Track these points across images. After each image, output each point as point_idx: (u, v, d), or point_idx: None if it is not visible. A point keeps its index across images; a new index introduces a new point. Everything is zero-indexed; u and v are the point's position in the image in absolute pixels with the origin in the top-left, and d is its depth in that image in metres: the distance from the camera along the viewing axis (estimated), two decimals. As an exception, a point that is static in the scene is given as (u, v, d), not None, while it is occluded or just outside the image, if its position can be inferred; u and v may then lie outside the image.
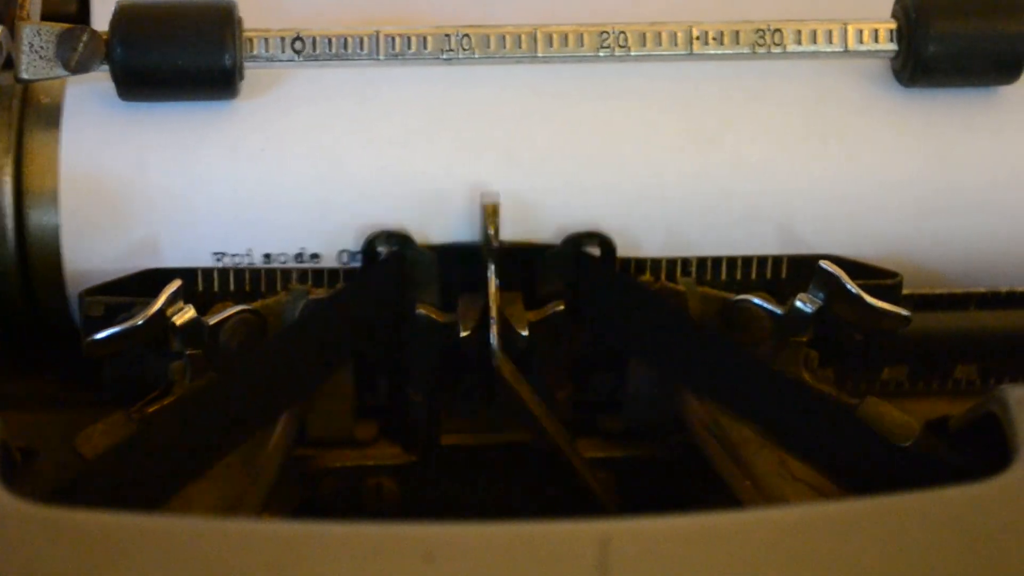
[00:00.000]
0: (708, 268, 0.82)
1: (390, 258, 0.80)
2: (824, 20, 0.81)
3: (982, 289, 0.84)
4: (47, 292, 0.82)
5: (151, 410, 0.78)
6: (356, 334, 0.79)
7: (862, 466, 0.73)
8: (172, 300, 0.77)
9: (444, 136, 0.81)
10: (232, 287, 0.81)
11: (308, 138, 0.81)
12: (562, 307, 0.80)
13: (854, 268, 0.80)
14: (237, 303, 0.80)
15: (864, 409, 0.80)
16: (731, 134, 0.82)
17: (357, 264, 0.81)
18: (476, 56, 0.80)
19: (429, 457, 0.85)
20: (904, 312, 0.79)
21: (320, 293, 0.81)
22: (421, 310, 0.80)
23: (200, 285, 0.80)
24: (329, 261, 0.81)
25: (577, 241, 0.81)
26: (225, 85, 0.79)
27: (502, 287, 0.80)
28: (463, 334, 0.79)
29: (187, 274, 0.79)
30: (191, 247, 0.81)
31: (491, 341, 0.78)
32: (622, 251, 0.81)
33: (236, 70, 0.79)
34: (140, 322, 0.77)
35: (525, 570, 0.60)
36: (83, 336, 0.78)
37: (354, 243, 0.81)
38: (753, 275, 0.82)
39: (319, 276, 0.81)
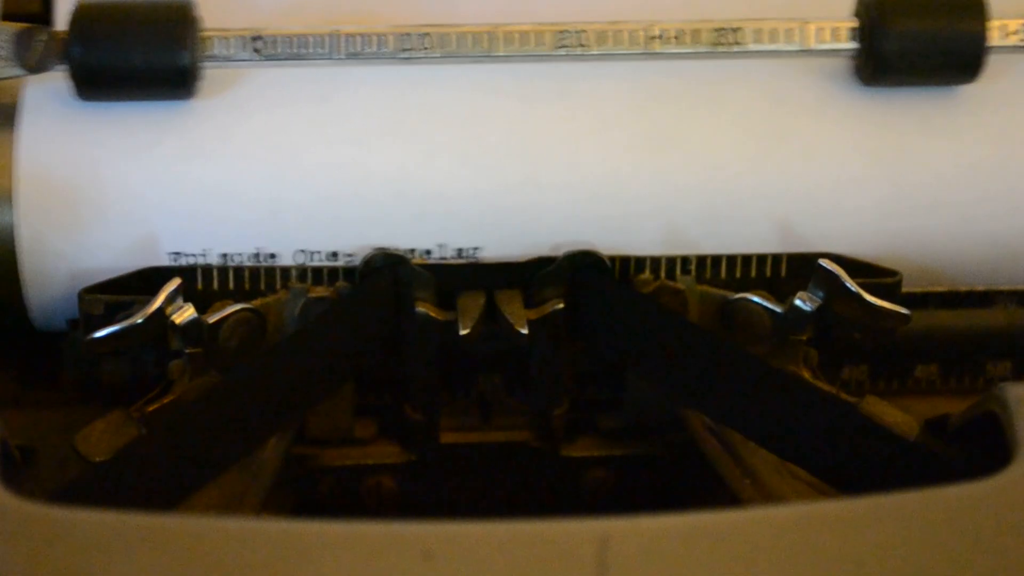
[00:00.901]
0: (708, 266, 0.82)
1: (386, 271, 0.80)
2: (784, 19, 0.81)
3: (941, 288, 0.84)
4: (3, 292, 0.81)
5: (151, 409, 0.78)
6: (357, 347, 0.79)
7: (864, 464, 0.73)
8: (171, 298, 0.77)
9: (403, 135, 0.81)
10: (232, 285, 0.81)
11: (266, 138, 0.81)
12: (561, 305, 0.80)
13: (854, 266, 0.80)
14: (236, 301, 0.80)
15: (864, 408, 0.80)
16: (690, 133, 0.82)
17: (315, 264, 0.81)
18: (435, 55, 0.80)
19: (428, 456, 0.85)
20: (904, 311, 0.79)
21: (320, 292, 0.81)
22: (420, 308, 0.80)
23: (200, 283, 0.80)
24: (285, 260, 0.81)
25: (573, 259, 0.81)
26: (183, 85, 0.79)
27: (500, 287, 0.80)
28: (463, 332, 0.79)
29: (187, 272, 0.80)
30: (148, 246, 0.80)
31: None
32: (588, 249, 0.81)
33: (194, 69, 0.79)
34: (139, 320, 0.77)
35: (524, 569, 0.60)
36: (83, 334, 0.78)
37: (311, 243, 0.81)
38: (752, 273, 0.82)
39: (319, 275, 0.81)
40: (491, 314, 0.80)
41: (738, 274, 0.82)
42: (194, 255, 0.81)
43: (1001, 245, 0.83)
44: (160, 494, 0.70)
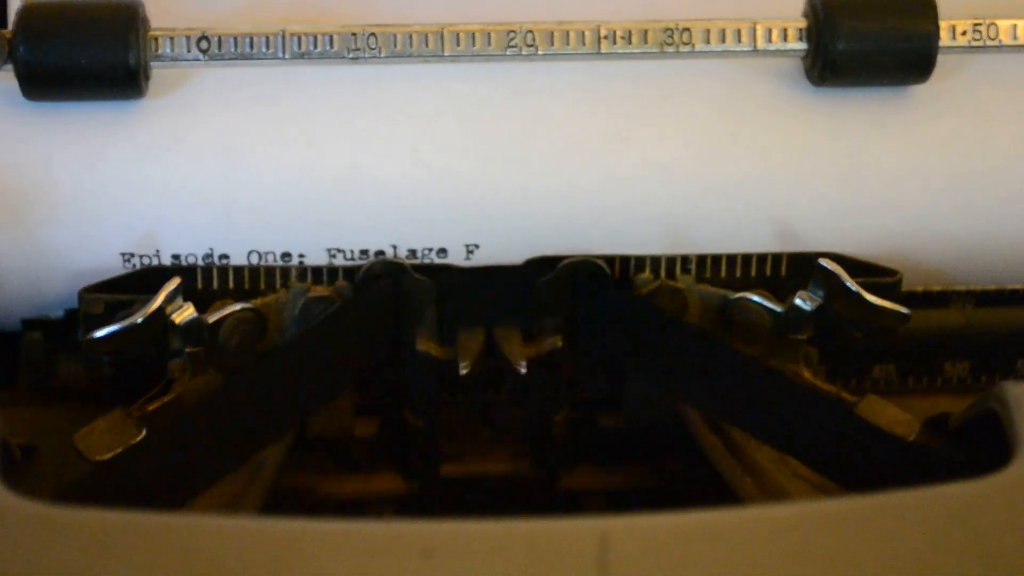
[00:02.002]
0: (707, 266, 0.82)
1: (386, 280, 0.80)
2: (733, 19, 0.81)
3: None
4: None
5: (151, 408, 0.78)
6: (355, 356, 0.79)
7: (864, 463, 0.73)
8: (171, 298, 0.77)
9: (351, 136, 0.81)
10: (231, 285, 0.81)
11: (217, 138, 0.81)
12: (560, 344, 0.80)
13: (853, 266, 0.80)
14: (236, 301, 0.80)
15: (864, 407, 0.80)
16: (640, 133, 0.82)
17: (269, 263, 0.81)
18: (383, 55, 0.80)
19: (429, 487, 0.85)
20: (904, 310, 0.79)
21: (320, 291, 0.81)
22: (421, 347, 0.79)
23: (199, 283, 0.80)
24: (239, 260, 0.81)
25: (572, 268, 0.81)
26: (130, 85, 0.79)
27: (498, 320, 0.80)
28: (463, 371, 0.78)
29: (187, 272, 0.79)
30: (98, 247, 0.80)
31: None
32: (534, 252, 0.81)
33: (141, 69, 0.79)
34: (139, 320, 0.77)
35: (524, 567, 0.60)
36: (83, 333, 0.78)
37: (263, 243, 0.81)
38: (752, 273, 0.82)
39: (319, 274, 0.81)
40: (491, 349, 0.80)
41: (738, 273, 0.82)
42: (146, 255, 0.81)
43: (956, 245, 0.84)
44: (161, 499, 0.70)
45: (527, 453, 0.86)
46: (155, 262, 0.81)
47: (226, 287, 0.81)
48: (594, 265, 0.80)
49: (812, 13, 0.81)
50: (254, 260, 0.81)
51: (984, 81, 0.84)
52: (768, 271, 0.82)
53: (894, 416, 0.79)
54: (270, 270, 0.81)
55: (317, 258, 0.81)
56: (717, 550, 0.61)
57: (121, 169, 0.80)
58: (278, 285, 0.81)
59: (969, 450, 0.76)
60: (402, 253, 0.81)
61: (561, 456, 0.85)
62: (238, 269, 0.81)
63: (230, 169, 0.81)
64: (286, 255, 0.81)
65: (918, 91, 0.83)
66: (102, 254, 0.80)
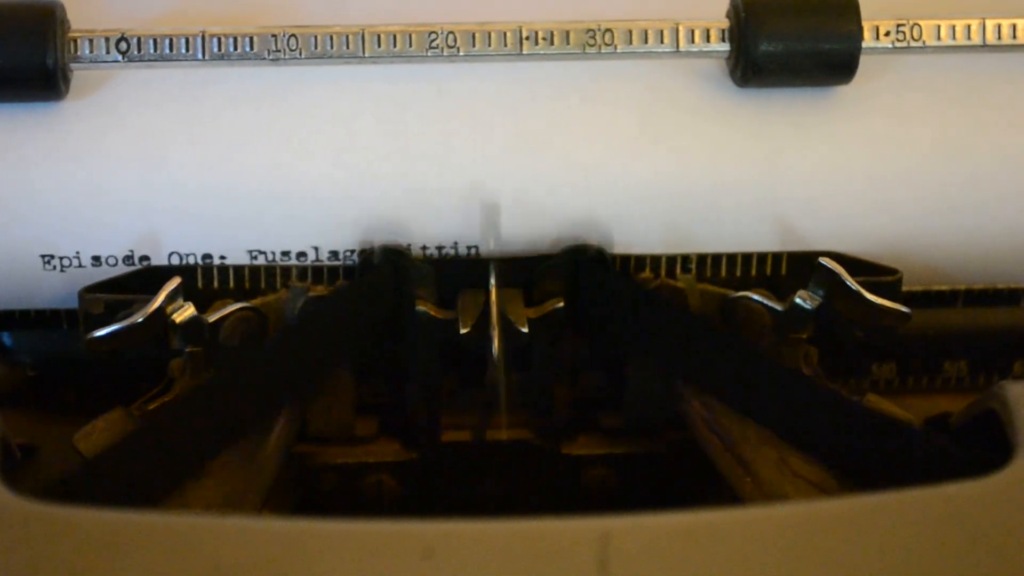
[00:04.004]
0: (708, 265, 0.82)
1: (386, 263, 0.80)
2: (655, 20, 0.80)
3: None
4: None
5: (151, 407, 0.79)
6: (354, 334, 0.79)
7: (867, 455, 0.73)
8: (172, 298, 0.77)
9: (272, 137, 0.81)
10: (232, 284, 0.81)
11: (135, 139, 0.81)
12: (561, 304, 0.80)
13: (854, 265, 0.80)
14: (237, 300, 0.80)
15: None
16: (563, 134, 0.82)
17: (211, 262, 0.81)
18: (303, 57, 0.79)
19: (429, 454, 0.85)
20: (904, 309, 0.79)
21: (320, 291, 0.81)
22: (421, 307, 0.80)
23: (200, 282, 0.80)
24: (159, 261, 0.81)
25: (574, 252, 0.81)
26: (48, 86, 0.78)
27: (501, 286, 0.80)
28: (463, 331, 0.79)
29: (187, 271, 0.80)
30: (17, 249, 0.80)
31: (492, 351, 0.78)
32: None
33: (59, 71, 0.78)
34: (140, 320, 0.77)
35: (525, 567, 0.60)
36: (84, 333, 0.78)
37: (183, 245, 0.81)
38: (753, 272, 0.82)
39: (319, 273, 0.81)
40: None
41: (738, 272, 0.82)
42: (66, 257, 0.80)
43: (879, 246, 0.83)
44: (155, 479, 0.70)
45: (529, 422, 0.86)
46: (75, 264, 0.80)
47: (226, 287, 0.81)
48: (594, 250, 0.80)
49: (734, 14, 0.81)
50: (175, 261, 0.81)
51: (907, 82, 0.84)
52: (768, 270, 0.82)
53: (894, 415, 0.79)
54: (270, 270, 0.81)
55: (238, 259, 0.81)
56: (717, 550, 0.61)
57: (40, 171, 0.80)
58: (278, 285, 0.81)
59: (969, 449, 0.75)
60: (324, 255, 0.81)
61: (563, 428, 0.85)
62: (238, 269, 0.81)
63: (150, 170, 0.80)
64: (207, 256, 0.81)
65: (842, 92, 0.83)
66: (20, 257, 0.80)
